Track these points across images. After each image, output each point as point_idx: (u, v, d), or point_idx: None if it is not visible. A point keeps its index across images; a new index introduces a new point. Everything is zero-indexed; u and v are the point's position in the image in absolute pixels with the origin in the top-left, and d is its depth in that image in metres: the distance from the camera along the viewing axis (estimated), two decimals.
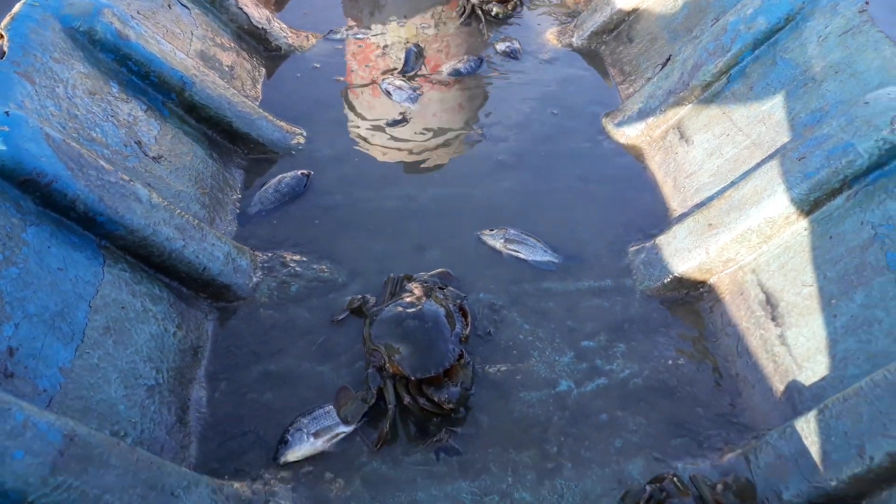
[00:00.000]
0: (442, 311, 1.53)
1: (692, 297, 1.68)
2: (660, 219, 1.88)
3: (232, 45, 2.36)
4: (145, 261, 1.52)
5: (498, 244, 1.80)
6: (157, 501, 1.14)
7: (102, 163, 1.49)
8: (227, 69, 2.23)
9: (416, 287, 1.60)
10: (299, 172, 1.98)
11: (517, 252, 1.78)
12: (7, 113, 1.37)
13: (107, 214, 1.43)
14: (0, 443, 0.99)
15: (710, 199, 1.76)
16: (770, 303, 1.53)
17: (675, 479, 1.26)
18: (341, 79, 2.44)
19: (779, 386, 1.43)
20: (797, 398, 1.38)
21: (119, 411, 1.28)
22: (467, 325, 1.58)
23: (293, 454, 1.35)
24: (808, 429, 1.25)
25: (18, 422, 1.03)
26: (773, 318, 1.51)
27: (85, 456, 1.08)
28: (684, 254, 1.68)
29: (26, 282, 1.27)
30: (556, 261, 1.77)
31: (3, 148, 1.32)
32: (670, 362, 1.54)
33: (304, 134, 2.17)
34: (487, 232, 1.83)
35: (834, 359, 1.36)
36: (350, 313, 1.63)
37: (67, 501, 1.04)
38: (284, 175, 1.97)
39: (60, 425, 1.08)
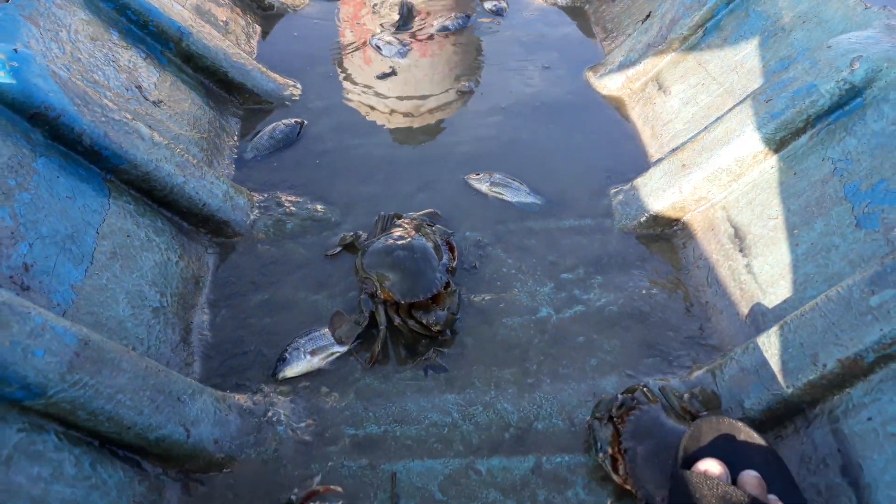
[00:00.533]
0: (430, 244, 1.62)
1: (666, 234, 1.77)
2: (639, 165, 1.97)
3: (226, 1, 2.43)
4: (148, 195, 1.60)
5: (484, 187, 1.89)
6: (165, 404, 1.23)
7: (106, 101, 1.57)
8: (221, 24, 2.30)
9: (405, 223, 1.69)
10: (293, 120, 2.06)
11: (502, 194, 1.87)
12: (16, 50, 1.44)
13: (112, 149, 1.51)
14: (21, 341, 1.07)
15: (685, 143, 1.85)
16: (738, 236, 1.63)
17: (645, 389, 1.36)
18: (339, 39, 2.51)
19: (744, 310, 1.53)
20: (761, 320, 1.48)
21: (127, 328, 1.37)
22: (454, 258, 1.67)
23: (291, 370, 1.44)
24: (768, 343, 1.35)
25: (38, 324, 1.11)
26: (741, 250, 1.61)
27: (98, 359, 1.17)
28: (659, 193, 1.78)
29: (38, 206, 1.34)
30: (539, 202, 1.86)
31: (13, 82, 1.39)
32: (644, 292, 1.64)
33: (298, 86, 2.25)
34: (474, 176, 1.92)
35: (795, 283, 1.46)
36: (343, 249, 1.72)
37: (83, 397, 1.13)
38: (279, 123, 2.05)
39: (76, 331, 1.16)
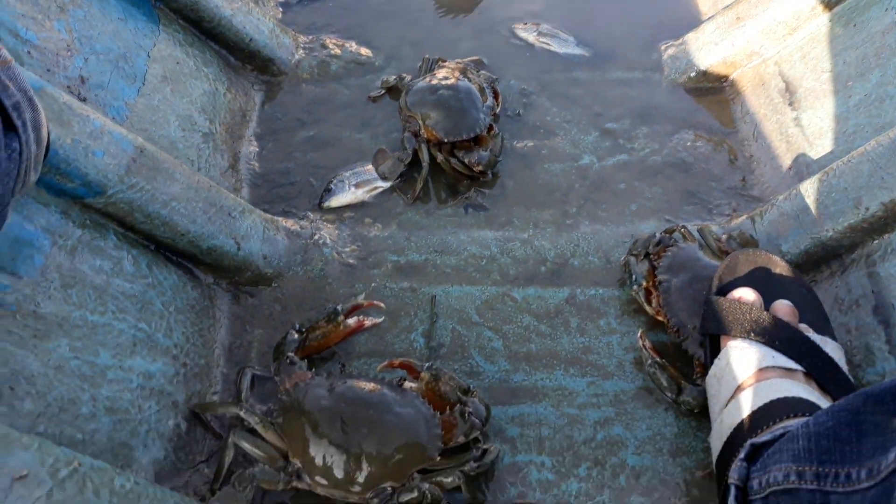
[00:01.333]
0: (475, 86, 1.62)
1: (715, 89, 1.75)
2: (691, 21, 1.91)
3: None
4: (196, 25, 1.61)
5: (531, 37, 1.86)
6: (217, 216, 1.28)
7: None
8: None
9: (450, 65, 1.68)
10: None
11: (549, 45, 1.84)
12: None
13: None
14: (83, 141, 1.11)
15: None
16: (789, 90, 1.60)
17: (683, 230, 1.38)
18: None
19: (789, 162, 1.52)
20: (805, 171, 1.47)
21: (178, 149, 1.40)
22: (498, 104, 1.67)
23: (336, 200, 1.48)
24: (811, 189, 1.34)
25: (97, 127, 1.15)
26: (791, 104, 1.58)
27: (154, 166, 1.21)
28: (711, 48, 1.74)
29: (91, 24, 1.36)
30: (586, 54, 1.83)
31: None
32: (689, 144, 1.63)
33: None
34: (521, 26, 1.89)
35: (844, 134, 1.44)
36: (386, 92, 1.72)
37: (140, 200, 1.18)
38: None
39: (132, 138, 1.20)
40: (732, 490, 0.85)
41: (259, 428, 1.09)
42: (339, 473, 1.03)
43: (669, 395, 1.20)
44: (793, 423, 0.89)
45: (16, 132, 0.82)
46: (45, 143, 0.93)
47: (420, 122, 1.54)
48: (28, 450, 0.85)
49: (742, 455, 0.87)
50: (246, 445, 1.07)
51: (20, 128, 0.83)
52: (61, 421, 0.98)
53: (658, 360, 1.22)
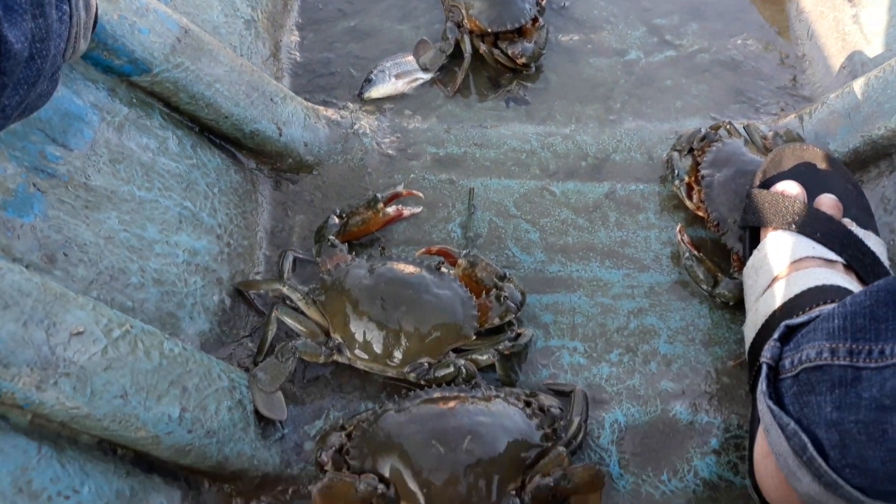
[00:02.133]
0: None
1: None
2: None
3: None
4: None
5: None
6: (259, 101, 1.29)
7: None
8: None
9: None
10: None
11: None
12: None
13: None
14: (129, 18, 1.12)
15: None
16: None
17: (729, 126, 1.35)
18: None
19: (844, 61, 1.47)
20: (860, 69, 1.42)
21: (221, 34, 1.40)
22: None
23: (377, 91, 1.48)
24: (865, 86, 1.30)
25: (142, 5, 1.15)
26: (850, 0, 1.52)
27: (198, 47, 1.21)
28: None
29: None
30: None
31: None
32: (739, 42, 1.58)
33: None
34: None
35: None
36: None
37: (185, 80, 1.19)
38: None
39: (177, 18, 1.20)
40: (764, 368, 0.86)
41: (301, 304, 1.12)
42: (377, 348, 1.06)
43: (705, 287, 1.20)
44: (829, 307, 0.89)
45: None
46: (93, 12, 0.93)
47: (463, 11, 1.51)
48: (83, 309, 0.90)
49: (776, 336, 0.88)
50: (288, 320, 1.11)
51: None
52: (112, 288, 1.03)
53: (696, 253, 1.22)
